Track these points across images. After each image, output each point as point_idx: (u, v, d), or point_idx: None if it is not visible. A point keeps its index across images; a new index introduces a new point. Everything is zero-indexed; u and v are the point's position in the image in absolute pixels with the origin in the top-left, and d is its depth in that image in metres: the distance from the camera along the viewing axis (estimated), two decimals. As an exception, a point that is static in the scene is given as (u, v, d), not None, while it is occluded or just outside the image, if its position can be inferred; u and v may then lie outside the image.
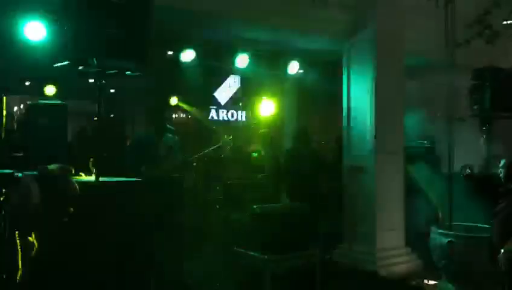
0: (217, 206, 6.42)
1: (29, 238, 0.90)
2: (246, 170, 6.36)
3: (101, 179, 3.80)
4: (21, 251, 0.88)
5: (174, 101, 7.21)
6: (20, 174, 0.95)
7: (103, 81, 3.95)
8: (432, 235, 5.19)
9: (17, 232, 0.87)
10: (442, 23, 5.30)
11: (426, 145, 8.04)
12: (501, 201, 4.04)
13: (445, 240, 4.97)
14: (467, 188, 4.69)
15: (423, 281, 5.73)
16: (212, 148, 5.53)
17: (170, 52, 6.61)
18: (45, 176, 0.94)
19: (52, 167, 1.00)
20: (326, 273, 4.92)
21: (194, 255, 6.16)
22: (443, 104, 5.80)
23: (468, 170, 4.43)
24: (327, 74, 7.83)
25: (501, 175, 4.11)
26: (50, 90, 8.01)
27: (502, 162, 4.14)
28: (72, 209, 1.03)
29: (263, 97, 8.10)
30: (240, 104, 8.14)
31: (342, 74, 6.57)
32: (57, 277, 2.70)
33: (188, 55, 6.37)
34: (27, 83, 8.75)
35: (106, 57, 3.70)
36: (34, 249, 0.90)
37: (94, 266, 3.43)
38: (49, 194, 0.94)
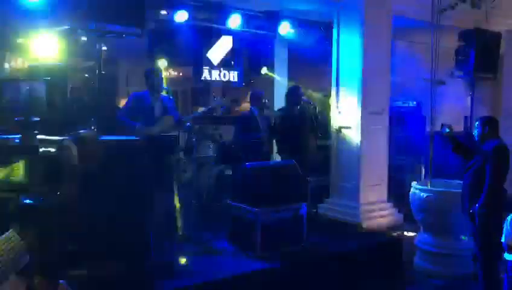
0: (212, 163, 6.71)
1: (72, 189, 1.15)
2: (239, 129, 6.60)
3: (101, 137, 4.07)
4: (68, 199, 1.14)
5: (164, 64, 7.34)
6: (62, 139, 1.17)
7: (102, 45, 4.15)
8: (412, 190, 5.56)
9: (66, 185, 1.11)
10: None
11: (412, 105, 8.35)
12: (474, 158, 4.38)
13: (424, 195, 5.34)
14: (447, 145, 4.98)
15: (403, 232, 6.16)
16: (205, 109, 5.74)
17: (163, 12, 6.70)
18: (82, 141, 1.17)
19: (85, 132, 1.22)
20: (312, 225, 5.28)
21: (188, 208, 6.50)
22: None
23: (447, 129, 4.70)
24: (318, 34, 7.98)
25: (475, 134, 4.42)
26: (41, 49, 7.91)
27: (477, 122, 4.43)
28: (99, 166, 1.26)
29: (255, 58, 8.24)
30: (233, 62, 8.26)
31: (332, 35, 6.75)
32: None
33: (180, 16, 6.47)
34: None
35: (105, 22, 3.88)
36: (75, 197, 1.15)
37: (98, 220, 3.72)
38: (84, 154, 1.17)
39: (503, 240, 3.72)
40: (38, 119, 1.24)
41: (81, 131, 1.27)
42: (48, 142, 1.19)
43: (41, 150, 1.13)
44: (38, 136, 1.16)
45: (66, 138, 1.20)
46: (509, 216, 3.73)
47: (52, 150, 1.13)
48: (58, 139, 1.11)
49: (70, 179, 1.26)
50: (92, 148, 1.30)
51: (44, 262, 1.19)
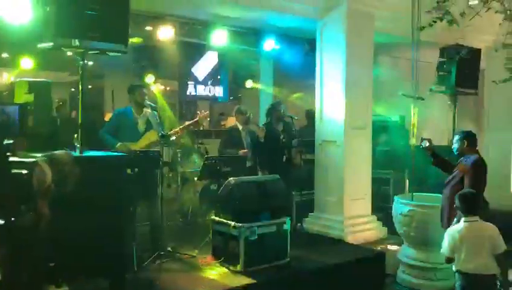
0: (195, 179, 6.71)
1: (45, 208, 1.16)
2: (224, 144, 6.64)
3: (85, 154, 4.09)
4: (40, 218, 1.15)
5: (150, 79, 7.42)
6: (34, 159, 1.18)
7: (85, 61, 4.17)
8: (395, 204, 5.62)
9: (37, 204, 1.12)
10: (409, 2, 5.59)
11: (395, 119, 8.47)
12: (453, 172, 4.46)
13: (406, 209, 5.40)
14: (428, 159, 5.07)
15: (387, 246, 6.21)
16: (188, 123, 5.77)
17: (149, 28, 6.75)
18: (55, 161, 1.19)
19: (58, 152, 1.23)
20: (296, 239, 5.31)
21: (173, 223, 6.50)
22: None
23: (426, 143, 4.80)
24: (303, 50, 8.10)
25: (454, 148, 4.50)
26: (27, 63, 7.92)
27: (456, 137, 4.52)
28: (74, 186, 1.28)
29: (240, 73, 8.34)
30: (219, 77, 8.34)
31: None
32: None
33: (165, 32, 6.53)
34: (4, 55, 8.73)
35: (88, 39, 3.91)
36: (48, 216, 1.17)
37: (81, 236, 3.72)
38: (59, 176, 1.19)
39: (441, 251, 3.83)
40: (12, 141, 1.26)
41: (56, 151, 1.29)
42: (21, 164, 1.22)
43: (14, 171, 1.15)
44: (12, 158, 1.19)
45: (40, 158, 1.23)
46: (448, 229, 3.85)
47: (25, 171, 1.15)
48: (31, 161, 1.14)
49: (43, 199, 1.28)
50: (66, 167, 1.33)
51: (18, 281, 1.21)
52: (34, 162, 1.23)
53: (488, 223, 3.78)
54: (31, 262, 1.21)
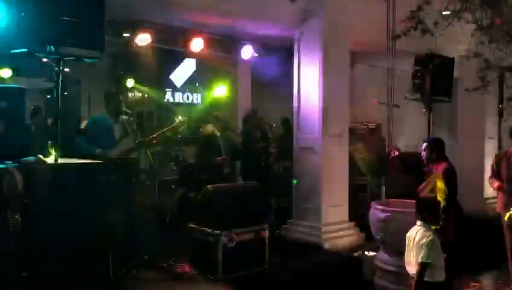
0: (173, 186, 6.67)
1: (16, 216, 1.13)
2: (201, 151, 6.63)
3: (60, 161, 4.02)
4: (11, 226, 1.11)
5: (130, 83, 7.34)
6: (4, 165, 1.14)
7: (61, 68, 4.11)
8: (371, 210, 5.67)
9: (7, 212, 1.09)
10: (385, 12, 5.69)
11: (371, 127, 8.59)
12: (424, 179, 4.53)
13: (382, 215, 5.46)
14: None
15: (364, 252, 6.26)
16: (165, 129, 5.73)
17: (126, 34, 6.71)
18: (26, 168, 1.16)
19: (30, 159, 1.21)
20: (274, 246, 5.32)
21: (150, 232, 6.42)
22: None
23: (395, 152, 4.88)
24: (281, 58, 8.14)
25: (423, 157, 4.57)
26: (6, 73, 7.82)
27: (424, 145, 4.59)
28: (46, 193, 1.25)
29: (218, 80, 8.34)
30: (197, 84, 8.33)
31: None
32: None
33: (143, 39, 6.49)
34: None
35: (64, 45, 3.86)
36: (19, 224, 1.14)
37: (58, 244, 3.66)
38: (29, 182, 1.17)
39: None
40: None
41: (27, 158, 1.26)
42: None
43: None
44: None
45: (10, 164, 1.20)
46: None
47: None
48: (1, 167, 1.11)
49: (13, 206, 1.25)
50: (38, 174, 1.30)
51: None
52: (4, 168, 1.20)
53: (428, 231, 3.74)
54: (1, 272, 1.18)
